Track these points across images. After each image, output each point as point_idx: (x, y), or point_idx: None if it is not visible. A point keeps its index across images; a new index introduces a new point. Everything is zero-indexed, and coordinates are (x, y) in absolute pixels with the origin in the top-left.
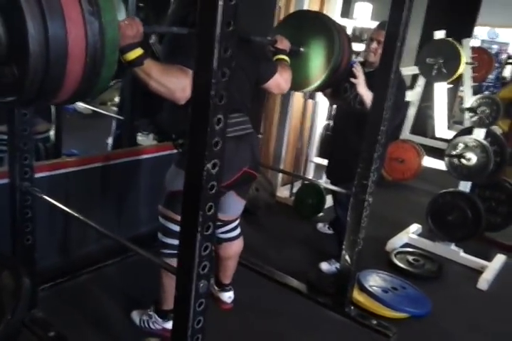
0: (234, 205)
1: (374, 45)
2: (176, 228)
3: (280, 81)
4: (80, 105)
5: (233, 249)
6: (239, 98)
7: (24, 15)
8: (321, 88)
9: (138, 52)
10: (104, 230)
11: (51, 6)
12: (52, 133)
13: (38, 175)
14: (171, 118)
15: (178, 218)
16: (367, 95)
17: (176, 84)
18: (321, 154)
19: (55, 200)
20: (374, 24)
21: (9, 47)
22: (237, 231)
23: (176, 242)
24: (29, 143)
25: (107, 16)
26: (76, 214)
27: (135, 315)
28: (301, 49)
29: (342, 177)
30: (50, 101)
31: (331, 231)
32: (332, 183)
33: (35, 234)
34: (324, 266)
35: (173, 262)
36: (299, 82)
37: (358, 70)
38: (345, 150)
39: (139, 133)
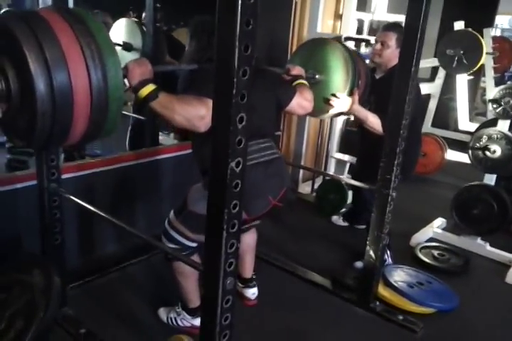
0: None
1: (378, 46)
2: (183, 241)
3: (301, 101)
4: None
5: (245, 241)
6: (263, 124)
7: (29, 66)
8: (340, 113)
9: (150, 87)
10: (131, 229)
11: (54, 53)
12: None
13: (64, 176)
14: (199, 156)
15: (190, 235)
16: (359, 111)
17: (193, 112)
18: (342, 149)
19: (81, 200)
20: (391, 17)
21: (20, 93)
22: None
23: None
24: None
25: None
26: (102, 214)
27: (162, 313)
28: (317, 76)
29: (370, 177)
30: (65, 139)
31: (345, 224)
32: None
33: (63, 234)
34: (359, 264)
35: (179, 264)
36: (319, 109)
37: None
38: (374, 149)
39: (160, 133)
